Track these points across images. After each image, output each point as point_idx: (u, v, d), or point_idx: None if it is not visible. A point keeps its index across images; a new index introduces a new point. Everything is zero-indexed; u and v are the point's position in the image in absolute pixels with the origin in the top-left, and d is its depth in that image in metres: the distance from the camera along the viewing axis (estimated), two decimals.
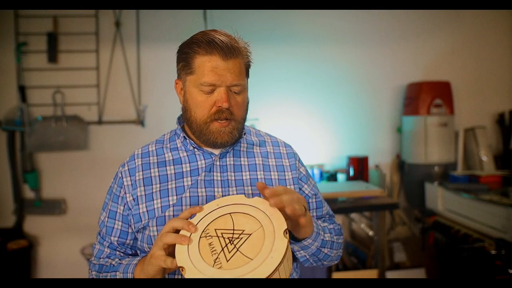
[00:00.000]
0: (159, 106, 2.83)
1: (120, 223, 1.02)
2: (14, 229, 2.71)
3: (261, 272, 0.76)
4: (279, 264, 0.77)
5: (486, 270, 2.07)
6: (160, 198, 0.98)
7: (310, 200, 1.11)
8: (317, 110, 2.98)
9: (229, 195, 0.98)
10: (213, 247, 0.82)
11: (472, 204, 2.34)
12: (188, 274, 0.78)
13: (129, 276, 0.93)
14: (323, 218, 1.14)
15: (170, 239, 0.83)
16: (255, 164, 1.05)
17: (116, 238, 1.02)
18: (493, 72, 3.14)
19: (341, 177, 2.85)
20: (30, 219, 2.78)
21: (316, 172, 2.81)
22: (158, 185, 1.00)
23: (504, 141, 3.06)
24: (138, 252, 1.05)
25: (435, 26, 3.06)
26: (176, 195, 0.98)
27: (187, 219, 0.87)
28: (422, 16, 3.02)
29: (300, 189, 1.09)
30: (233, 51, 0.94)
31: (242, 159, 1.05)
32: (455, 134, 2.91)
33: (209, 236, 0.83)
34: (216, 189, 0.99)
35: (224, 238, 0.83)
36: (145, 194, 0.99)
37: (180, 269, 0.79)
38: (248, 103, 1.06)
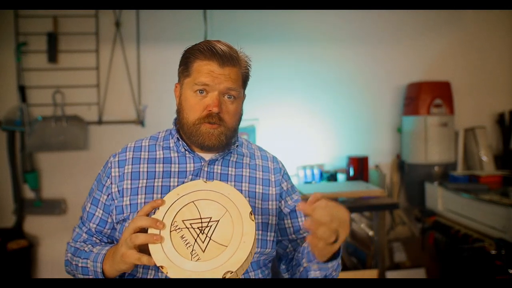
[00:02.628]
0: (159, 106, 2.83)
1: (101, 211, 1.04)
2: (14, 229, 2.71)
3: (238, 258, 0.78)
4: (252, 247, 0.79)
5: (486, 270, 2.07)
6: (145, 194, 1.00)
7: (284, 216, 1.13)
8: (317, 110, 2.98)
9: None
10: (185, 240, 0.82)
11: (472, 204, 2.34)
12: (170, 273, 0.78)
13: (98, 266, 0.94)
14: (303, 236, 1.13)
15: (141, 240, 0.82)
16: (242, 175, 1.07)
17: (94, 225, 1.05)
18: (493, 72, 3.14)
19: (341, 177, 2.85)
20: (30, 219, 2.79)
21: (316, 172, 2.81)
22: (144, 181, 1.01)
23: (504, 141, 3.06)
24: (115, 242, 1.06)
25: (435, 26, 3.06)
26: (161, 193, 0.99)
27: (148, 214, 0.86)
28: (422, 16, 3.03)
29: (280, 201, 1.11)
30: (230, 60, 0.98)
31: (230, 168, 1.07)
32: (455, 134, 2.91)
33: (179, 229, 0.83)
34: None
35: (194, 228, 0.83)
36: (130, 188, 1.01)
37: (160, 267, 0.79)
38: (241, 114, 1.07)
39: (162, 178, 1.01)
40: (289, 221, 1.13)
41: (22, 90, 2.69)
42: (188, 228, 0.83)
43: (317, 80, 2.98)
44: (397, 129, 3.07)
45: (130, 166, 1.03)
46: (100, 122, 2.80)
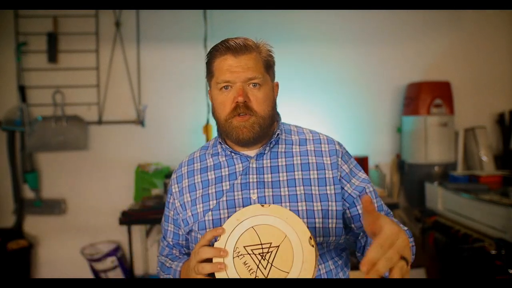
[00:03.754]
0: (159, 106, 2.83)
1: (172, 225, 1.11)
2: (14, 229, 2.71)
3: None
4: (313, 274, 0.81)
5: (486, 270, 2.07)
6: (202, 203, 1.03)
7: (354, 200, 1.05)
8: (317, 110, 2.98)
9: (264, 196, 0.99)
10: (248, 266, 0.84)
11: (472, 204, 2.34)
12: None
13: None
14: None
15: (206, 270, 0.85)
16: (293, 164, 1.03)
17: (170, 239, 1.12)
18: (493, 72, 3.14)
19: None
20: (30, 219, 2.78)
21: None
22: (200, 191, 1.04)
23: (504, 141, 3.06)
24: (191, 249, 1.11)
25: (435, 26, 3.06)
26: (216, 199, 1.01)
27: (210, 241, 0.88)
28: (422, 16, 3.02)
29: (342, 188, 1.04)
30: (244, 48, 1.00)
31: (279, 159, 1.04)
32: (455, 134, 2.90)
33: (241, 255, 0.85)
34: (251, 191, 1.00)
35: (255, 254, 0.84)
36: (190, 200, 1.05)
37: None
38: (274, 100, 1.08)
39: (215, 184, 1.03)
40: (360, 206, 1.04)
41: (22, 90, 2.69)
42: (249, 254, 0.84)
43: (317, 80, 2.98)
44: (397, 129, 3.07)
45: (186, 180, 1.07)
46: (100, 122, 2.80)
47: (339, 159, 1.08)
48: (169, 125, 2.86)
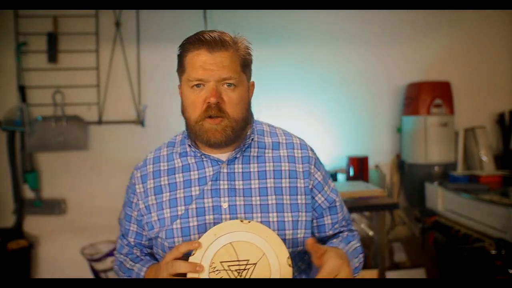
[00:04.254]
0: (159, 106, 2.83)
1: (135, 226, 1.05)
2: (14, 229, 2.71)
3: None
4: None
5: (486, 270, 2.07)
6: (170, 207, 0.98)
7: (323, 211, 1.06)
8: (317, 110, 2.98)
9: (235, 205, 0.95)
10: None
11: (472, 204, 2.34)
12: None
13: None
14: (339, 230, 1.09)
15: (181, 271, 0.83)
16: (265, 170, 0.99)
17: (132, 239, 1.06)
18: (493, 72, 3.13)
19: (341, 177, 2.85)
20: (30, 219, 2.78)
21: None
22: (167, 194, 0.99)
23: (504, 141, 3.06)
24: (154, 251, 1.07)
25: (435, 26, 3.05)
26: (184, 205, 0.97)
27: (184, 254, 0.85)
28: (422, 16, 3.02)
29: (313, 198, 1.03)
30: (220, 44, 0.91)
31: (252, 165, 0.99)
32: (455, 134, 2.90)
33: (217, 271, 0.83)
34: (222, 199, 0.96)
35: (232, 271, 0.83)
36: (156, 203, 1.00)
37: None
38: (249, 102, 1.01)
39: (183, 188, 0.98)
40: (329, 217, 1.06)
41: (22, 90, 2.69)
42: (226, 270, 0.83)
43: (317, 80, 2.98)
44: (397, 129, 3.07)
45: (152, 181, 1.01)
46: (100, 122, 2.80)
47: (312, 167, 1.04)
48: (169, 125, 2.85)
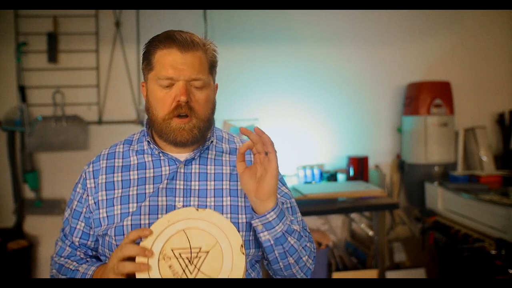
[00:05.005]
0: None
1: (82, 224, 1.01)
2: (14, 229, 2.71)
3: None
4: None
5: (486, 270, 2.07)
6: (120, 204, 0.96)
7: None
8: (317, 109, 2.98)
9: (190, 205, 0.95)
10: (174, 270, 0.80)
11: (472, 204, 2.34)
12: None
13: None
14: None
15: (128, 269, 0.80)
16: (222, 173, 1.01)
17: (77, 239, 1.02)
18: (493, 72, 3.14)
19: (341, 177, 2.85)
20: (30, 219, 2.79)
21: (316, 172, 2.81)
22: (119, 190, 0.97)
23: (504, 141, 3.06)
24: (100, 254, 1.03)
25: (435, 26, 3.05)
26: (136, 202, 0.95)
27: (134, 241, 0.83)
28: (422, 16, 3.02)
29: None
30: (191, 45, 0.92)
31: (209, 167, 1.01)
32: (455, 134, 2.91)
33: (167, 257, 0.81)
34: (177, 198, 0.96)
35: (183, 258, 0.81)
36: (106, 199, 0.97)
37: None
38: (214, 104, 1.01)
39: (137, 185, 0.97)
40: None
41: (22, 90, 2.69)
42: (177, 257, 0.81)
43: (317, 80, 2.98)
44: (397, 129, 3.07)
45: (104, 176, 0.99)
46: (100, 122, 2.80)
47: None
48: None
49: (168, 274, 0.79)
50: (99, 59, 2.78)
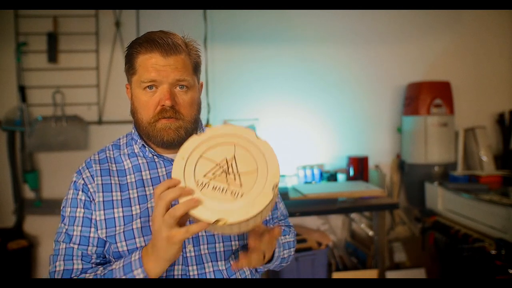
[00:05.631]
0: None
1: (93, 229, 0.95)
2: (14, 229, 2.71)
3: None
4: (258, 213, 0.77)
5: (486, 270, 2.07)
6: (122, 207, 0.94)
7: None
8: (317, 110, 2.98)
9: None
10: (219, 188, 0.79)
11: (472, 204, 2.34)
12: (230, 219, 0.75)
13: (139, 273, 0.83)
14: (278, 223, 1.16)
15: (181, 210, 0.76)
16: None
17: (95, 248, 0.94)
18: (493, 72, 3.14)
19: (341, 177, 2.85)
20: (30, 219, 2.79)
21: (316, 172, 2.81)
22: (118, 193, 0.95)
23: (504, 141, 3.06)
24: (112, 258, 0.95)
25: (435, 26, 3.06)
26: (139, 204, 0.94)
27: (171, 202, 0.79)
28: (422, 16, 3.02)
29: None
30: (173, 48, 0.91)
31: None
32: (455, 134, 2.91)
33: (206, 184, 0.80)
34: None
35: (218, 175, 0.81)
36: (103, 201, 0.94)
37: (216, 222, 0.76)
38: (200, 104, 1.01)
39: (136, 188, 0.96)
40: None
41: (22, 90, 2.69)
42: (213, 179, 0.81)
43: (317, 80, 2.98)
44: (397, 129, 3.07)
45: (99, 178, 0.97)
46: (100, 122, 2.80)
47: None
48: None
49: (218, 194, 0.78)
50: (99, 59, 2.78)
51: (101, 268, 0.90)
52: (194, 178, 0.80)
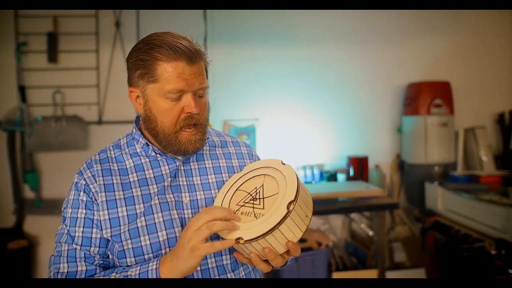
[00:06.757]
0: None
1: (96, 230, 0.94)
2: (14, 229, 2.71)
3: (292, 190, 0.86)
4: (298, 179, 0.88)
5: (486, 270, 2.07)
6: (126, 206, 0.94)
7: None
8: (317, 110, 2.98)
9: (197, 199, 0.98)
10: (246, 212, 0.89)
11: (472, 204, 2.34)
12: (247, 237, 0.83)
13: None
14: None
15: (218, 227, 0.82)
16: (220, 166, 1.05)
17: (97, 249, 0.93)
18: (493, 72, 3.14)
19: (341, 177, 2.85)
20: (30, 219, 2.79)
21: (316, 172, 2.81)
22: (121, 192, 0.95)
23: (504, 141, 3.06)
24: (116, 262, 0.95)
25: (435, 26, 3.06)
26: (143, 202, 0.94)
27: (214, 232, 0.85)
28: (422, 16, 3.03)
29: None
30: (197, 55, 0.92)
31: (206, 162, 1.04)
32: (455, 134, 2.91)
33: (237, 211, 0.91)
34: (183, 194, 0.97)
35: (248, 202, 0.91)
36: (106, 200, 0.94)
37: (237, 241, 0.83)
38: (209, 103, 1.06)
39: (140, 186, 0.96)
40: None
41: (22, 90, 2.69)
42: (243, 206, 0.91)
43: (317, 80, 2.98)
44: (397, 129, 3.07)
45: (101, 178, 0.96)
46: (100, 122, 2.80)
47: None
48: None
49: (244, 217, 0.88)
50: (99, 59, 2.78)
51: (114, 274, 0.89)
52: (228, 207, 0.92)
